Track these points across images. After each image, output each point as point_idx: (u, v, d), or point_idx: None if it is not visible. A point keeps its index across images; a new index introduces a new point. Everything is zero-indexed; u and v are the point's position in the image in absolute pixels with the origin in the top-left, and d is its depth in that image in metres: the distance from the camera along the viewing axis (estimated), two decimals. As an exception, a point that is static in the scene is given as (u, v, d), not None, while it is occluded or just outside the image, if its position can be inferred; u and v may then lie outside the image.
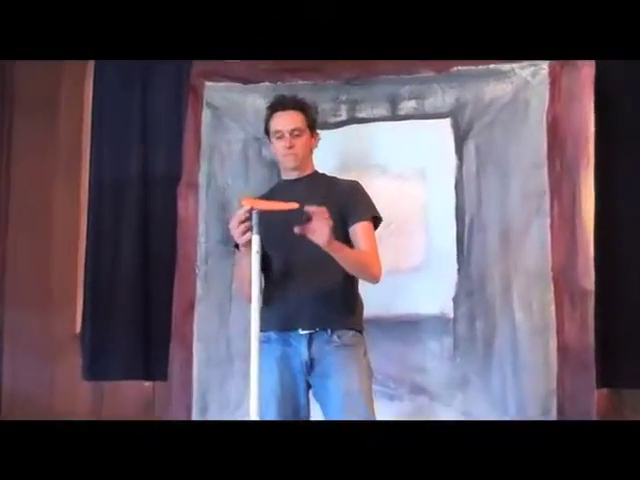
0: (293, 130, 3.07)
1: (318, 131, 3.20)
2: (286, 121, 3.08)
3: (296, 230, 2.71)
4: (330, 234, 2.74)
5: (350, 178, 3.22)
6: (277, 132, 3.09)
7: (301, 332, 2.96)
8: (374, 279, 3.00)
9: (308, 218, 2.72)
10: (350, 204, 3.04)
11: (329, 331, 2.95)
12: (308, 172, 3.15)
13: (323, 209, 2.73)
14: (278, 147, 3.10)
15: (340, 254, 2.85)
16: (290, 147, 3.07)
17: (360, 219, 3.03)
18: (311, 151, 3.17)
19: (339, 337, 2.96)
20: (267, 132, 3.16)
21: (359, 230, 3.02)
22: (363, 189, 3.13)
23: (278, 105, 3.12)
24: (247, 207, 2.76)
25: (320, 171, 3.21)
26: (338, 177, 3.20)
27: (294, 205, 2.74)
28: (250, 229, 2.75)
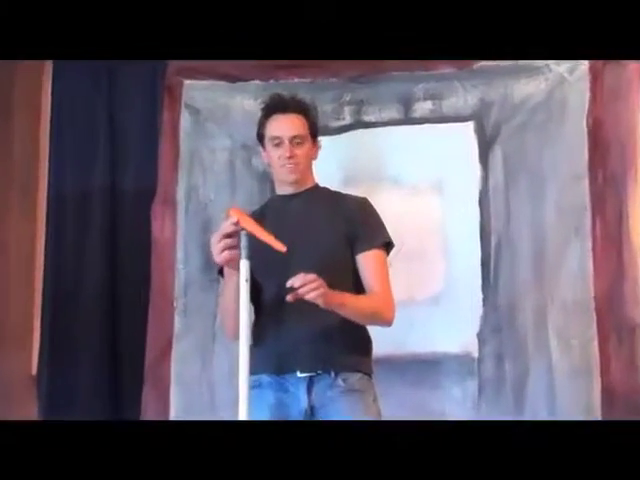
0: (294, 137, 3.03)
1: (319, 138, 3.17)
2: (286, 126, 3.04)
3: (289, 299, 2.70)
4: (326, 296, 2.72)
5: (355, 192, 3.19)
6: (275, 138, 3.05)
7: (299, 375, 2.89)
8: (386, 324, 2.99)
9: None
10: (358, 227, 3.02)
11: (332, 374, 2.89)
12: (308, 186, 3.11)
13: (310, 277, 2.69)
14: (275, 156, 3.05)
15: (344, 310, 2.84)
16: (290, 157, 3.02)
17: (369, 247, 3.00)
18: (311, 162, 3.13)
19: (344, 380, 2.90)
20: (260, 138, 3.11)
21: (368, 261, 3.00)
22: (373, 208, 3.10)
23: (276, 106, 3.08)
24: (234, 219, 2.71)
25: (321, 185, 3.16)
26: (343, 192, 3.17)
27: (282, 247, 2.70)
28: (235, 247, 2.71)
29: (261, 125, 3.08)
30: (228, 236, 2.72)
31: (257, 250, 2.70)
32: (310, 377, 2.87)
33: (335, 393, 2.86)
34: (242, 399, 2.62)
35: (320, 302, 2.71)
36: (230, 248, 2.71)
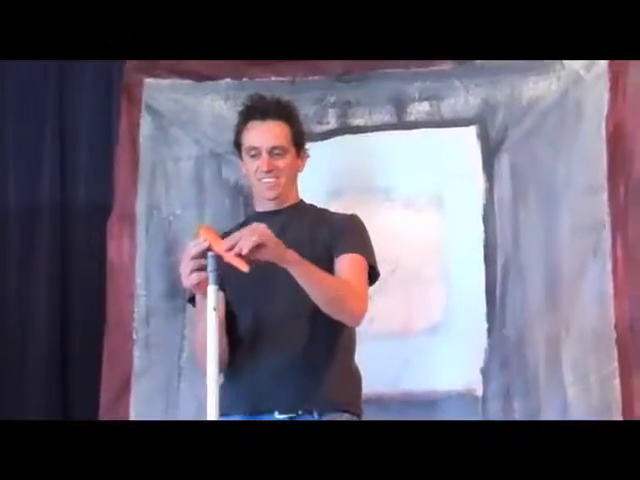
0: (274, 148, 3.07)
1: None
2: (264, 135, 3.08)
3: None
4: (276, 249, 2.70)
5: (341, 206, 3.31)
6: (252, 149, 3.09)
7: (277, 417, 2.92)
8: (354, 316, 2.97)
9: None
10: (339, 236, 3.06)
11: (315, 415, 2.93)
12: (290, 202, 3.16)
13: (252, 228, 2.69)
14: (252, 169, 3.10)
15: (303, 273, 2.80)
16: (269, 170, 3.06)
17: (349, 250, 3.03)
18: (296, 175, 3.18)
19: (329, 423, 2.89)
20: (237, 147, 3.17)
21: (345, 262, 3.01)
22: (362, 225, 3.15)
23: (255, 111, 3.12)
24: (202, 238, 2.72)
25: (302, 199, 3.23)
26: (331, 210, 3.22)
27: (245, 267, 2.65)
28: (203, 269, 2.69)
29: (238, 132, 3.14)
30: (198, 257, 2.71)
31: (232, 276, 2.69)
32: (290, 419, 2.90)
33: (318, 437, 2.92)
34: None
35: (267, 256, 2.67)
36: (200, 270, 2.70)
